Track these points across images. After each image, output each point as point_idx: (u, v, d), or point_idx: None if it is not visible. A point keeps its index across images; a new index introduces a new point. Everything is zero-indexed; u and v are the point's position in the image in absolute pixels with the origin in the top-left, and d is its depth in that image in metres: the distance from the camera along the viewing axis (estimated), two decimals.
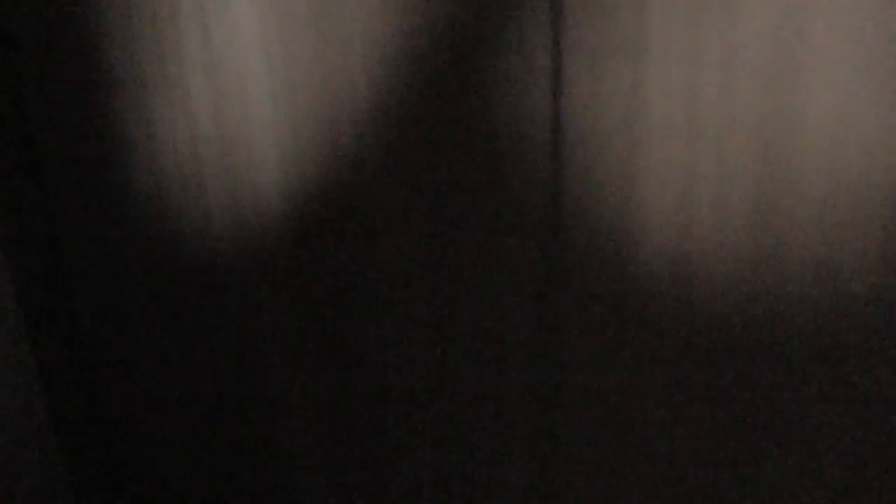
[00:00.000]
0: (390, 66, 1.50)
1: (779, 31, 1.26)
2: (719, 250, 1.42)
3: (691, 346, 1.50)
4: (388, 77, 1.51)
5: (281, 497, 2.00)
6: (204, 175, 1.71)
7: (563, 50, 1.39)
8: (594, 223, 1.48)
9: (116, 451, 2.10)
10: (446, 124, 1.51)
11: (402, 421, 1.80)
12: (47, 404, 1.91)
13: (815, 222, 1.35)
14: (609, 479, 1.68)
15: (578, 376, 1.61)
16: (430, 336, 1.69)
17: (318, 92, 1.57)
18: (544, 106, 1.44)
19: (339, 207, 1.65)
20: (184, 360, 1.93)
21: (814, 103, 1.28)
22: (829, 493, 1.49)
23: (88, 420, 2.03)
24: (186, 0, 1.58)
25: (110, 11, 1.65)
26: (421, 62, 1.49)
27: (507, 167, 1.51)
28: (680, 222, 1.43)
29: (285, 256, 1.73)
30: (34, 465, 1.91)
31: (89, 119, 1.76)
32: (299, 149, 1.63)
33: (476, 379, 1.70)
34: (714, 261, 1.43)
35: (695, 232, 1.42)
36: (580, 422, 1.65)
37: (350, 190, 1.62)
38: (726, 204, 1.39)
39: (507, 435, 1.73)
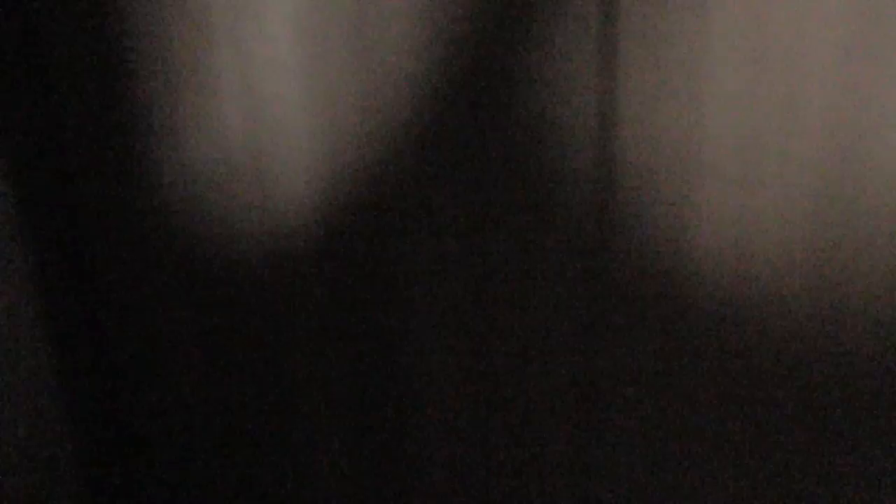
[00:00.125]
0: (430, 74, 1.46)
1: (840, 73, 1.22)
2: (779, 265, 1.38)
3: (747, 367, 1.46)
4: (429, 82, 1.47)
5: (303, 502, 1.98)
6: (233, 177, 1.68)
7: (616, 46, 1.34)
8: (644, 227, 1.44)
9: (134, 451, 2.08)
10: (487, 130, 1.47)
11: (430, 429, 1.77)
12: (66, 405, 1.90)
13: (884, 256, 1.31)
14: (655, 493, 1.65)
15: (620, 392, 1.58)
16: (462, 341, 1.66)
17: (354, 97, 1.53)
18: (592, 112, 1.40)
19: (372, 209, 1.61)
20: (207, 362, 1.90)
21: (879, 146, 1.24)
22: None
23: (107, 420, 2.02)
24: (218, 6, 1.53)
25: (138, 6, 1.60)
26: (461, 70, 1.44)
27: (553, 169, 1.47)
28: (735, 234, 1.38)
29: (314, 257, 1.70)
30: (52, 468, 1.90)
31: (119, 125, 1.72)
32: (332, 147, 1.59)
33: (512, 383, 1.67)
34: (773, 278, 1.39)
35: (753, 247, 1.38)
36: (622, 433, 1.62)
37: (384, 192, 1.59)
38: (788, 220, 1.35)
39: (543, 442, 1.70)
